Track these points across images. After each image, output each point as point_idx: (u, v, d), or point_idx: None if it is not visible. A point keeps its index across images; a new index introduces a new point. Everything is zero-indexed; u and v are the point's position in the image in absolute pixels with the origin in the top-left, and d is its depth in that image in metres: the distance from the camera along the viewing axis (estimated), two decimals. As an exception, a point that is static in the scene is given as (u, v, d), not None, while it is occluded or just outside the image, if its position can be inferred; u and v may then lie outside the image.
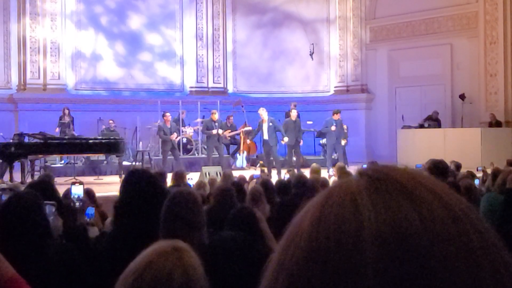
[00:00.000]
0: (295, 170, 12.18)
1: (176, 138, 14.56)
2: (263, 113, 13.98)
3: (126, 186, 3.39)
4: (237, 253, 3.04)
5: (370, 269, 0.56)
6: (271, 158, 14.08)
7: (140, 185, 3.29)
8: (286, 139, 13.86)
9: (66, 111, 16.38)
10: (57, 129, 15.88)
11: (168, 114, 14.80)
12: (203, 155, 16.62)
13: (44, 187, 4.06)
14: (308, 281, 0.58)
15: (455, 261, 0.56)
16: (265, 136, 13.84)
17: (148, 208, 3.18)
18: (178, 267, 1.50)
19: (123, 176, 4.16)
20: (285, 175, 11.22)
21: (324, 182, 7.03)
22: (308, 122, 16.81)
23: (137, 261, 1.53)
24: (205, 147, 15.99)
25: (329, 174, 12.56)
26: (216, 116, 14.96)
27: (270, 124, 13.79)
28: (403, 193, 0.60)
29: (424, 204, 0.59)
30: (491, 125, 16.13)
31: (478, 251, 0.57)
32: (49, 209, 3.40)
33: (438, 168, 4.48)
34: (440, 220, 0.58)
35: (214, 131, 14.48)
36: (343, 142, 15.07)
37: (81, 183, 4.69)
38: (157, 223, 2.96)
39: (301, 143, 14.56)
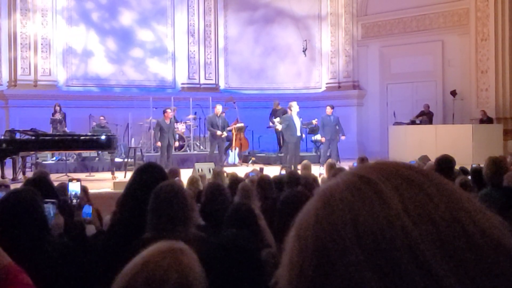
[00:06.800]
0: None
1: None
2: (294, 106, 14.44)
3: (136, 178, 3.33)
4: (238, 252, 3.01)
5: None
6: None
7: (150, 180, 3.23)
8: (294, 139, 14.20)
9: (58, 108, 16.31)
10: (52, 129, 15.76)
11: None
12: (195, 152, 16.63)
13: (41, 184, 4.04)
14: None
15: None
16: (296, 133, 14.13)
17: None
18: (174, 267, 1.48)
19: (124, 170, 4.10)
20: (280, 171, 11.20)
21: (314, 179, 6.97)
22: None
23: (133, 262, 1.52)
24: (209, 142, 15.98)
25: (320, 172, 12.25)
26: (219, 109, 15.15)
27: (300, 119, 14.14)
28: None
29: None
30: (482, 121, 16.18)
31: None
32: (51, 207, 3.38)
33: (446, 163, 4.51)
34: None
35: (219, 133, 14.73)
36: (342, 138, 15.14)
37: (78, 180, 4.65)
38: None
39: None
